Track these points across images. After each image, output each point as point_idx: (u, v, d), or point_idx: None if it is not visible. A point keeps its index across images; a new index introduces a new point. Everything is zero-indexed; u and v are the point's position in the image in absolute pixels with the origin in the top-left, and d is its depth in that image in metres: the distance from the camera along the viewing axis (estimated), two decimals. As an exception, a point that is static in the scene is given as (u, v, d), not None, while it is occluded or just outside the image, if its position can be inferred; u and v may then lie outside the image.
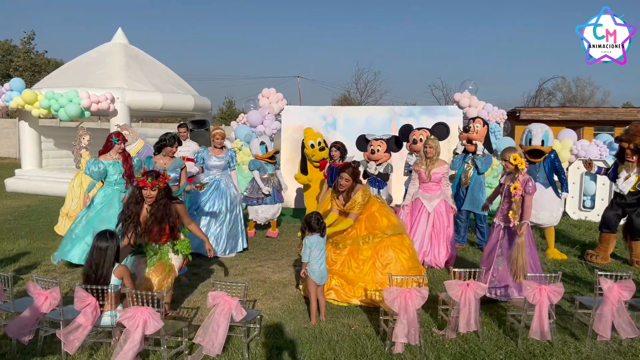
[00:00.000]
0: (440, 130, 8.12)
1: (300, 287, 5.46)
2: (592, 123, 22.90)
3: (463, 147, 7.62)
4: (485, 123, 7.51)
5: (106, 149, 6.36)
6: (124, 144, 6.35)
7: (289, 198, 10.68)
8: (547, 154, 6.95)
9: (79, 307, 3.59)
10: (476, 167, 7.36)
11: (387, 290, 4.02)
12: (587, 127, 22.79)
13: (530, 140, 6.91)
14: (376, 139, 7.98)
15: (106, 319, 3.75)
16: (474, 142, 7.44)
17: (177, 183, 6.19)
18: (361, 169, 7.61)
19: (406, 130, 8.18)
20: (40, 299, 3.78)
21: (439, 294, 4.75)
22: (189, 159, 8.94)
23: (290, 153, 11.40)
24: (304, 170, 8.65)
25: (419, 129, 7.85)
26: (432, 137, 6.63)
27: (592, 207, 10.22)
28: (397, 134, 8.24)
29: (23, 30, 42.46)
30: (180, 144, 6.40)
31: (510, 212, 4.98)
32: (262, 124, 11.53)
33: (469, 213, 7.57)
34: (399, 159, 8.97)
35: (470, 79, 11.85)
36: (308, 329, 4.50)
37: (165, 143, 6.18)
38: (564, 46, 67.02)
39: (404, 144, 7.99)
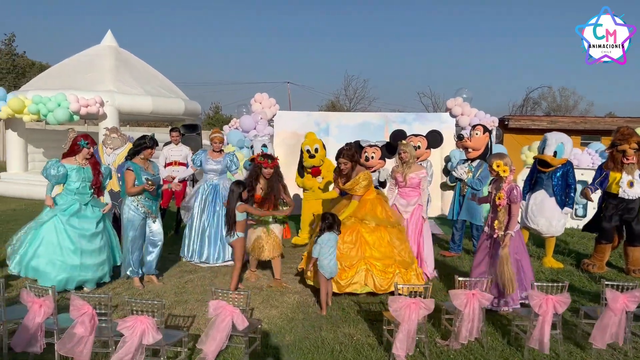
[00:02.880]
0: (434, 138, 8.07)
1: (308, 274, 5.68)
2: (579, 132, 23.14)
3: (460, 153, 7.60)
4: (486, 130, 7.45)
5: (72, 152, 5.70)
6: (93, 148, 5.80)
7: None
8: (558, 166, 6.88)
9: (75, 316, 3.45)
10: (471, 187, 7.26)
11: (393, 299, 3.93)
12: (574, 136, 22.97)
13: (544, 149, 6.90)
14: (370, 146, 7.92)
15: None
16: (469, 149, 7.41)
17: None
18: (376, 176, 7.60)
19: (398, 136, 8.13)
20: (35, 307, 3.63)
21: (441, 304, 4.67)
22: (180, 163, 8.81)
23: (284, 159, 11.25)
24: (301, 174, 8.56)
25: (415, 135, 7.80)
26: (405, 142, 6.53)
27: (584, 216, 10.25)
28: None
29: (4, 32, 41.70)
30: (157, 145, 6.07)
31: (496, 222, 4.91)
32: (254, 129, 11.42)
33: (464, 221, 7.52)
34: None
35: (462, 86, 11.88)
36: (309, 339, 4.39)
37: (146, 145, 5.77)
38: (551, 55, 67.89)
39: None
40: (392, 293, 4.92)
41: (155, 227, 6.03)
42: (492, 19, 67.12)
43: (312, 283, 5.62)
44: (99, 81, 13.37)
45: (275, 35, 75.58)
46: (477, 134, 7.44)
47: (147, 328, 3.36)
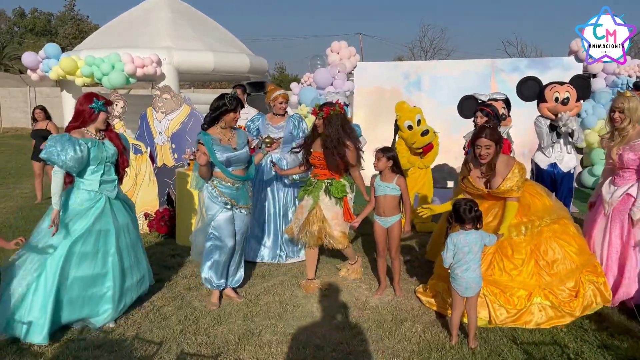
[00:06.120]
0: (582, 85, 5.88)
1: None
2: None
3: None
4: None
5: (84, 121, 3.72)
6: (112, 114, 4.03)
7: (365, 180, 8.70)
8: None
9: None
10: None
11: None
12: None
13: None
14: (495, 100, 6.02)
15: None
16: None
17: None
18: None
19: (533, 85, 5.99)
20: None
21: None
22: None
23: (366, 119, 9.42)
24: None
25: (560, 83, 5.67)
26: (629, 93, 4.11)
27: None
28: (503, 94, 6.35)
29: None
30: (242, 106, 4.24)
31: None
32: (331, 84, 9.56)
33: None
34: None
35: (541, 39, 9.37)
36: None
37: (227, 107, 3.93)
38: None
39: (539, 104, 5.82)
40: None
41: (239, 224, 4.16)
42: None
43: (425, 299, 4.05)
44: (155, 37, 11.90)
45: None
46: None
47: None
